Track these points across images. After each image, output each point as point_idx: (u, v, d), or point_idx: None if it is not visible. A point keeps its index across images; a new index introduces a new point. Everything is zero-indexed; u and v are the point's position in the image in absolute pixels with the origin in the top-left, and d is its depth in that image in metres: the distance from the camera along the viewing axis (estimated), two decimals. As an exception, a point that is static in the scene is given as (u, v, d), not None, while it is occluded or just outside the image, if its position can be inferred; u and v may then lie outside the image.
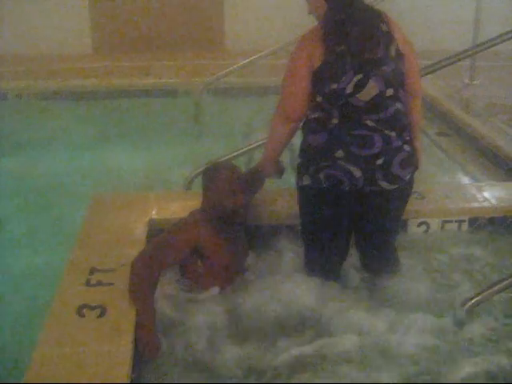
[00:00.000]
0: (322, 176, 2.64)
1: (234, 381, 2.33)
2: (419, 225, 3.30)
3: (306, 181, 2.71)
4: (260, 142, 3.66)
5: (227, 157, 3.58)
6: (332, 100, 2.61)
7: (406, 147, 2.68)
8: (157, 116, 5.72)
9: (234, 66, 5.64)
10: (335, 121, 2.62)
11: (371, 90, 2.57)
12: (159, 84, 6.32)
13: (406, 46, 2.68)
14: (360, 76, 2.56)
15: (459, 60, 3.93)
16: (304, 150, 2.73)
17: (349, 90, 2.57)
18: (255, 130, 4.96)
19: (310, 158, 2.70)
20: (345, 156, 2.61)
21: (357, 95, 2.57)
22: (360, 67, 2.56)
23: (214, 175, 2.85)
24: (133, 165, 4.60)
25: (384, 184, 2.65)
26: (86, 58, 7.08)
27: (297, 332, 2.59)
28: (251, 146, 3.76)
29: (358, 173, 2.61)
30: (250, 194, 2.97)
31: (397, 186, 2.67)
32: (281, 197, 3.32)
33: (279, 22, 7.22)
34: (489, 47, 3.98)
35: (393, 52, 2.61)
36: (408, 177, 2.70)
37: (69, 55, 7.09)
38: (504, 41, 3.91)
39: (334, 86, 2.58)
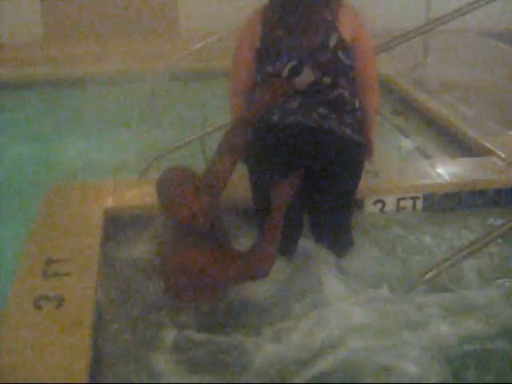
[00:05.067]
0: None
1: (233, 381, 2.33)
2: (374, 203, 3.35)
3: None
4: (215, 127, 3.67)
5: (182, 143, 3.57)
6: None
7: (347, 130, 2.70)
8: (112, 103, 5.63)
9: (189, 50, 5.61)
10: None
11: (307, 76, 2.61)
12: (113, 71, 6.25)
13: (357, 37, 2.66)
14: (294, 62, 2.61)
15: (411, 38, 3.95)
16: None
17: (284, 74, 2.62)
18: (212, 114, 4.95)
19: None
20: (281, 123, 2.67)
21: (293, 80, 2.62)
22: (295, 54, 2.61)
23: (157, 184, 2.56)
24: (88, 153, 4.57)
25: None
26: (37, 47, 6.94)
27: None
28: (206, 131, 3.76)
29: (291, 140, 2.67)
30: (210, 194, 2.57)
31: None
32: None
33: (235, 3, 7.17)
34: (440, 24, 4.01)
35: (333, 41, 2.61)
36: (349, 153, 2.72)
37: (19, 44, 6.95)
38: (454, 18, 3.95)
39: (270, 69, 2.65)
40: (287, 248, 2.87)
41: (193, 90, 5.90)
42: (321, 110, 2.66)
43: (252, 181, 2.87)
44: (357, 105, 2.79)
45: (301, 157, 2.68)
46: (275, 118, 2.68)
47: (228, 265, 2.47)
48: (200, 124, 4.09)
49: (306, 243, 2.97)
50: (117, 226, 3.12)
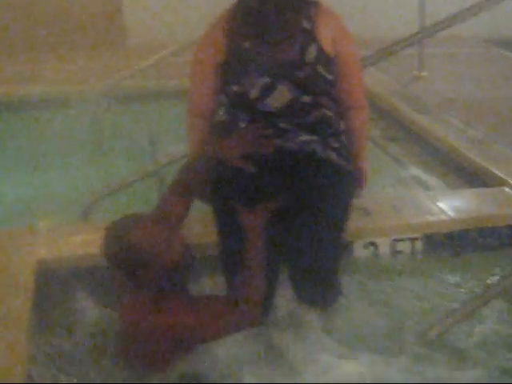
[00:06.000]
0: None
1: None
2: (366, 246, 3.35)
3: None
4: (172, 159, 3.65)
5: (130, 180, 3.57)
6: (236, 103, 2.69)
7: (332, 155, 2.69)
8: (46, 131, 5.60)
9: (138, 67, 5.61)
10: (242, 125, 2.68)
11: (282, 96, 2.62)
12: (48, 92, 6.22)
13: (340, 47, 2.68)
14: (266, 79, 2.61)
15: (404, 48, 4.01)
16: None
17: (254, 94, 2.63)
18: (166, 142, 4.95)
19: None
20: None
21: (265, 101, 2.63)
22: (267, 69, 2.61)
23: (130, 243, 2.47)
24: (18, 193, 4.52)
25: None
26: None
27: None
28: (162, 164, 3.77)
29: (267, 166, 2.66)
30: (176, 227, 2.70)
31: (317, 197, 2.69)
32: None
33: (194, 10, 7.26)
34: (437, 31, 4.09)
35: (312, 55, 2.62)
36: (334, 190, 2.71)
37: None
38: (453, 24, 4.02)
39: (235, 88, 2.65)
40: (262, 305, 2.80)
41: (143, 113, 5.91)
42: (301, 132, 2.65)
43: (218, 216, 2.82)
44: (342, 127, 2.79)
45: (279, 185, 2.65)
46: None
47: (216, 318, 2.53)
48: (152, 154, 4.10)
49: (284, 297, 2.94)
50: (52, 281, 3.06)
